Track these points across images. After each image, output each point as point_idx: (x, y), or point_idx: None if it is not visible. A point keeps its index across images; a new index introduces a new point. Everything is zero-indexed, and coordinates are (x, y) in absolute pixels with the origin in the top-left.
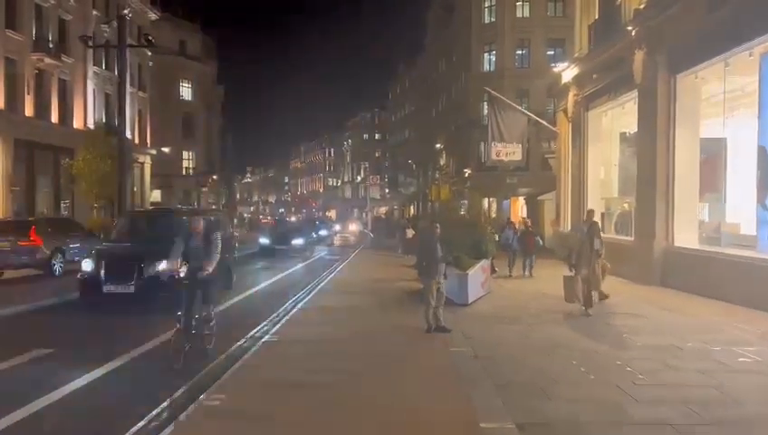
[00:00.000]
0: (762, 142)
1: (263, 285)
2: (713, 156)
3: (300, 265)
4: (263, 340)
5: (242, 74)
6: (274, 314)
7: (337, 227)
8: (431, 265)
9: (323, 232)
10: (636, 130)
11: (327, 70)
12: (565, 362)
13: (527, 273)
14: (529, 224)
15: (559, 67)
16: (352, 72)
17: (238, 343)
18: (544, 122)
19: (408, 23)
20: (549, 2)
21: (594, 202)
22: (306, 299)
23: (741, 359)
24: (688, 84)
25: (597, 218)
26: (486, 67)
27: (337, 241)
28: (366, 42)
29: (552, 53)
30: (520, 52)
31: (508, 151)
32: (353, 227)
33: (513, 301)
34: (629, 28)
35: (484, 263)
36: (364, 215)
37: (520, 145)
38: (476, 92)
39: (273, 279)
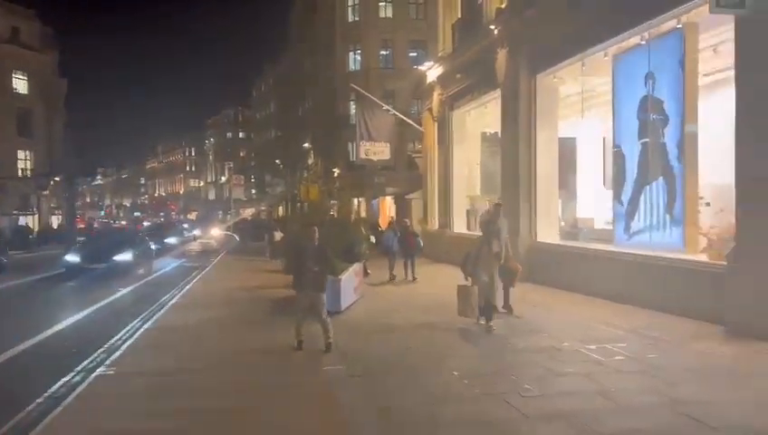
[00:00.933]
0: (617, 141)
1: (108, 300)
2: (566, 154)
3: (143, 282)
4: (95, 373)
5: (92, 68)
6: (115, 339)
7: (196, 232)
8: (304, 274)
9: (172, 240)
10: (497, 129)
11: (187, 66)
12: (448, 375)
13: (410, 276)
14: (408, 224)
15: (424, 66)
16: (213, 69)
17: (65, 379)
18: (411, 122)
19: (271, 20)
20: (410, 4)
21: (460, 200)
22: (154, 318)
23: (617, 357)
24: (547, 84)
25: (462, 216)
26: (352, 66)
27: (196, 247)
28: (228, 38)
29: (415, 54)
30: (384, 52)
31: (376, 150)
32: (216, 230)
33: (390, 305)
34: (492, 27)
35: (357, 266)
36: (228, 217)
37: (388, 144)
38: (343, 92)
39: (119, 294)
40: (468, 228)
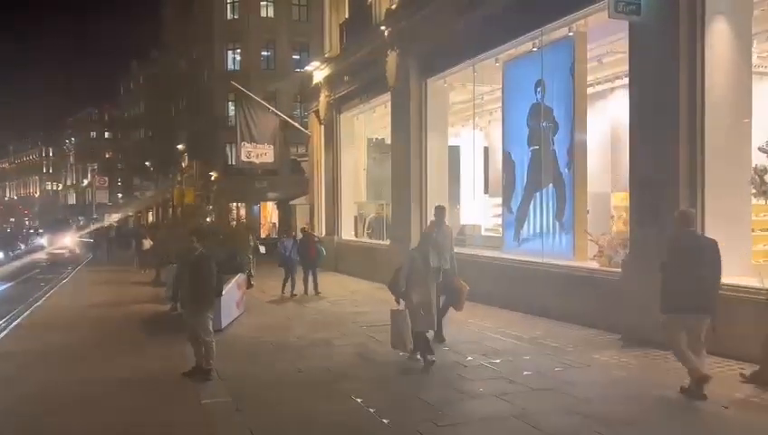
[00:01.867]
0: (506, 148)
1: None
2: (451, 162)
3: None
4: None
5: None
6: None
7: (42, 241)
8: (182, 289)
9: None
10: (385, 135)
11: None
12: (350, 402)
13: (311, 290)
14: (309, 229)
15: (310, 66)
16: (72, 66)
17: None
18: (297, 124)
19: (139, 18)
20: (294, 5)
21: (348, 206)
22: None
23: (525, 373)
24: (438, 89)
25: (350, 222)
26: (231, 66)
27: (45, 258)
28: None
29: (298, 57)
30: (266, 53)
31: (259, 153)
32: (69, 239)
33: (277, 321)
34: (382, 28)
35: (240, 278)
36: (92, 223)
37: (272, 146)
38: (221, 92)
39: None
40: (356, 235)
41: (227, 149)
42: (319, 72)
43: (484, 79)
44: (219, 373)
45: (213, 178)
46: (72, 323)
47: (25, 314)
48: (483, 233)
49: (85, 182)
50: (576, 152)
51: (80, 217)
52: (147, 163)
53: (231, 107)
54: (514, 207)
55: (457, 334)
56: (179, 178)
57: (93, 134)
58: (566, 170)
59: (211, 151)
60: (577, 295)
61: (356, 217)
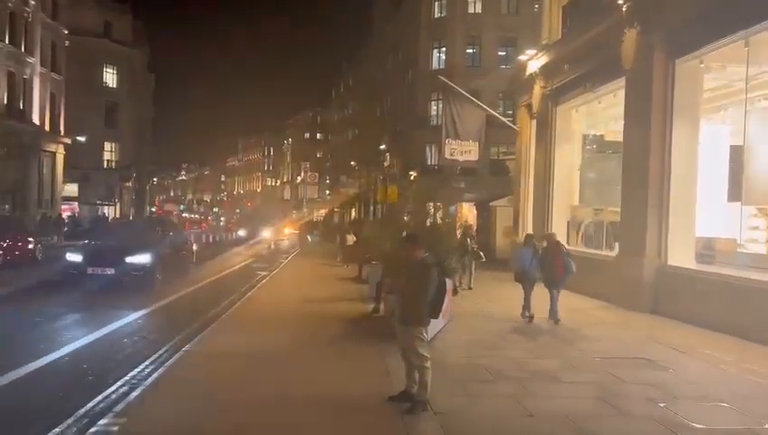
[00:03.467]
0: None
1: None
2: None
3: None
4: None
5: (178, 66)
6: (147, 364)
7: (241, 233)
8: (418, 309)
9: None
10: (605, 130)
11: (269, 65)
12: None
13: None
14: (555, 237)
15: (524, 56)
16: (295, 69)
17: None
18: (504, 119)
19: (353, 19)
20: None
21: (560, 210)
22: (198, 338)
23: None
24: (690, 71)
25: (562, 228)
26: (435, 65)
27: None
28: (310, 39)
29: (504, 53)
30: (471, 50)
31: (463, 150)
32: (267, 233)
33: (484, 335)
34: (620, 2)
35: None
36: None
37: (477, 143)
38: (424, 91)
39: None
40: (568, 242)
41: (427, 148)
42: (534, 61)
43: (762, 57)
44: (430, 404)
45: (412, 178)
46: (278, 320)
47: (238, 303)
48: (739, 250)
49: (299, 179)
50: None
51: (293, 211)
52: (352, 163)
53: (433, 106)
54: None
55: (727, 379)
56: (381, 177)
57: (307, 135)
58: None
59: (411, 151)
60: None
61: (569, 223)
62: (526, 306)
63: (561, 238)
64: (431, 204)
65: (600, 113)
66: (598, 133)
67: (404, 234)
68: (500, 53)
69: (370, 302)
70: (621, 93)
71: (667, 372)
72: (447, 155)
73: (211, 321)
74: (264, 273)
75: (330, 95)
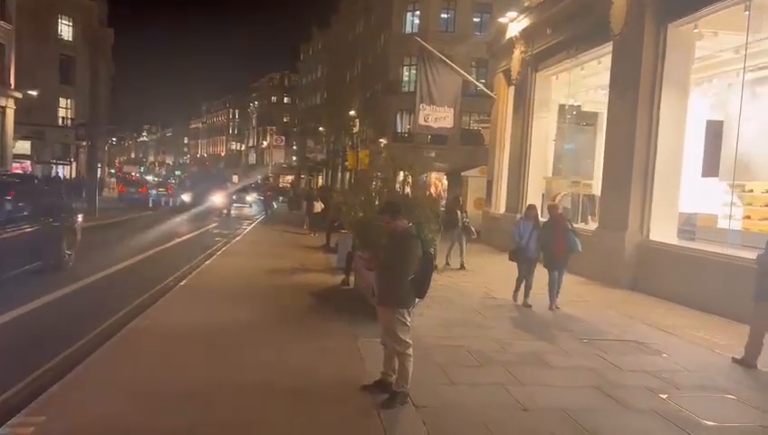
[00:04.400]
0: None
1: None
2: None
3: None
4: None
5: (139, 22)
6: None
7: (185, 198)
8: (399, 287)
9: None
10: (583, 100)
11: (234, 27)
12: None
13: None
14: (558, 207)
15: (504, 18)
16: (261, 31)
17: None
18: (481, 85)
19: None
20: None
21: (536, 182)
22: (145, 313)
23: None
24: (682, 37)
25: (537, 200)
26: (409, 29)
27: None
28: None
29: (479, 19)
30: (445, 14)
31: (438, 116)
32: (218, 198)
33: (462, 313)
34: None
35: None
36: (266, 183)
37: (452, 109)
38: (397, 56)
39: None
40: (542, 215)
41: (398, 115)
42: (515, 24)
43: (762, 24)
44: (410, 397)
45: (382, 145)
46: (239, 291)
47: (195, 271)
48: (720, 225)
49: (264, 144)
50: None
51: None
52: (320, 128)
53: (405, 72)
54: None
55: (724, 364)
56: (350, 143)
57: (274, 99)
58: None
59: (382, 117)
60: None
61: (543, 196)
62: (519, 289)
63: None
64: (402, 172)
65: (581, 81)
66: (575, 103)
67: (380, 202)
68: (475, 20)
69: (339, 273)
70: (606, 60)
71: (661, 356)
72: (422, 121)
73: (163, 293)
74: (224, 240)
75: (298, 58)
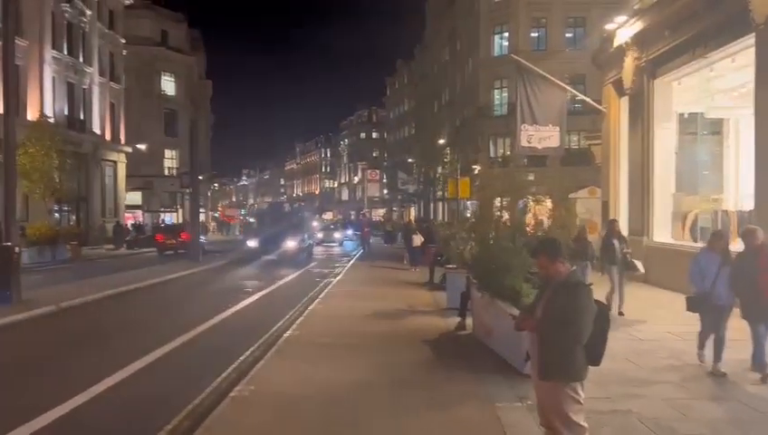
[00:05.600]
0: None
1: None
2: None
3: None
4: None
5: (234, 73)
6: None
7: (251, 244)
8: (568, 355)
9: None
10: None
11: (324, 69)
12: None
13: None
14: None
15: (611, 25)
16: (349, 70)
17: None
18: (589, 99)
19: (406, 15)
20: None
21: (663, 200)
22: (255, 374)
23: None
24: None
25: (666, 220)
26: (497, 51)
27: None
28: (363, 38)
29: (572, 34)
30: (535, 33)
31: (542, 136)
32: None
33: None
34: None
35: None
36: (361, 216)
37: (557, 128)
38: (486, 80)
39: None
40: (675, 237)
41: (490, 140)
42: (625, 29)
43: None
44: None
45: (476, 172)
46: (347, 342)
47: (297, 322)
48: None
49: (356, 179)
50: None
51: (351, 211)
52: (409, 160)
53: (496, 95)
54: None
55: None
56: (438, 171)
57: (363, 135)
58: None
59: (474, 144)
60: None
61: (673, 214)
62: (704, 346)
63: (664, 232)
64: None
65: (704, 86)
66: (698, 111)
67: (499, 235)
68: (567, 35)
69: (451, 314)
70: (743, 57)
71: None
72: (524, 142)
73: (267, 347)
74: (324, 281)
75: (384, 93)
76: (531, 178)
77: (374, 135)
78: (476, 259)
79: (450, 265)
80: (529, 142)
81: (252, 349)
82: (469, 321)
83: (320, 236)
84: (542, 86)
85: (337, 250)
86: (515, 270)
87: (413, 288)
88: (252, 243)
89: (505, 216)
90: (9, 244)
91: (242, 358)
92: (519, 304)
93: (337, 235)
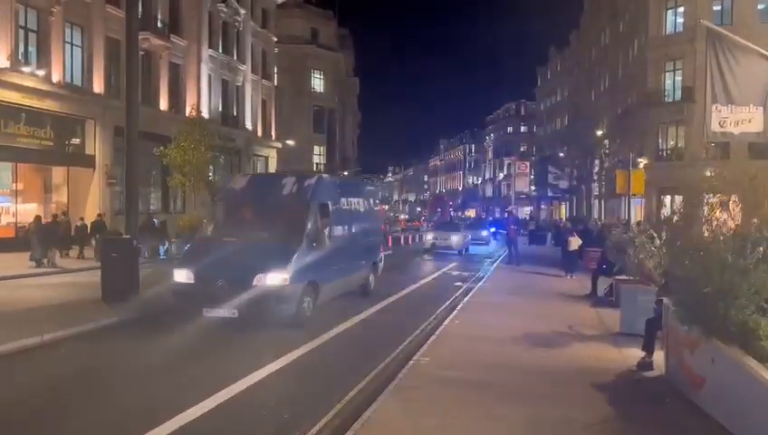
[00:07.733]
0: None
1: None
2: None
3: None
4: None
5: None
6: None
7: (429, 238)
8: None
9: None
10: None
11: (471, 62)
12: None
13: None
14: None
15: None
16: (497, 62)
17: None
18: None
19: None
20: None
21: None
22: (370, 415)
23: None
24: None
25: None
26: (670, 29)
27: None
28: (508, 35)
29: (765, 5)
30: (718, 7)
31: (739, 119)
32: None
33: None
34: None
35: None
36: (506, 214)
37: (760, 109)
38: (656, 62)
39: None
40: None
41: (659, 130)
42: None
43: None
44: None
45: (642, 166)
46: (493, 380)
47: (431, 338)
48: None
49: (501, 176)
50: None
51: (496, 209)
52: (561, 154)
53: (668, 79)
54: None
55: None
56: (597, 168)
57: (510, 129)
58: None
59: (639, 134)
60: None
61: None
62: None
63: None
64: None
65: None
66: None
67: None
68: (759, 6)
69: (624, 340)
70: None
71: None
72: (716, 127)
73: (386, 382)
74: (464, 287)
75: (535, 84)
76: (709, 173)
77: (522, 129)
78: (685, 279)
79: (622, 277)
80: (722, 126)
81: (360, 386)
82: (657, 356)
83: (429, 238)
84: (740, 58)
85: (473, 252)
86: (744, 297)
87: (571, 302)
88: (179, 276)
89: (723, 217)
90: (128, 236)
91: (347, 398)
92: (753, 349)
93: (454, 237)
